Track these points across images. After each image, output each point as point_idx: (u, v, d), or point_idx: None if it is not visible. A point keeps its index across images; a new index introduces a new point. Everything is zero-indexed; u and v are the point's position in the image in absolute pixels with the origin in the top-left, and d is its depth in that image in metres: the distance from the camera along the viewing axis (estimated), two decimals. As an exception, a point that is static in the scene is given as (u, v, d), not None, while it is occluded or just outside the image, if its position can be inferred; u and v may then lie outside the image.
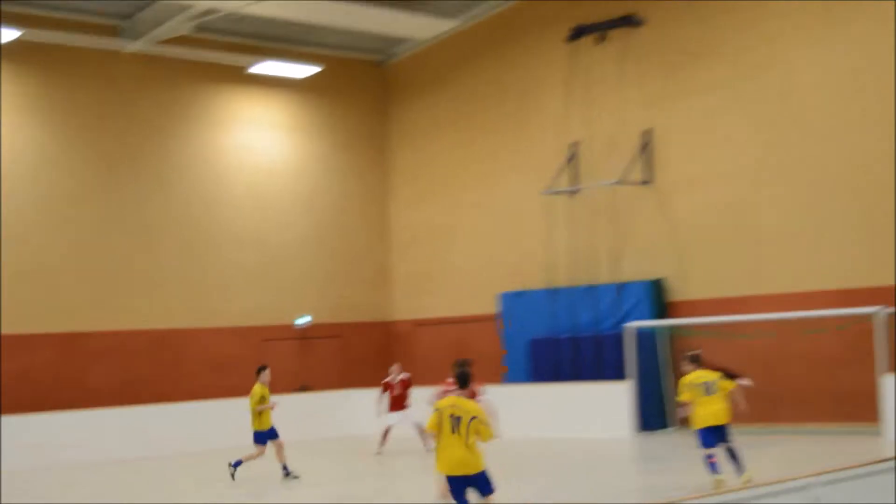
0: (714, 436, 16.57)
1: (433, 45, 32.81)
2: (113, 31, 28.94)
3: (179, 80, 30.43)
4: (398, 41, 33.24)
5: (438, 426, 12.23)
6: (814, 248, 25.07)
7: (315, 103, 33.03)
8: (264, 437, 20.62)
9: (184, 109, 30.54)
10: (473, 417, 12.11)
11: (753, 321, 24.57)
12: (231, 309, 30.87)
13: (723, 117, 26.67)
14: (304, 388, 31.12)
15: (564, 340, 28.32)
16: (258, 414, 20.65)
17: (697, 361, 17.04)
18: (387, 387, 24.70)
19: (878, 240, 24.03)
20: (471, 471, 12.16)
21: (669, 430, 25.98)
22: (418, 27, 31.01)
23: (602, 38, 28.83)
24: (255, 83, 31.50)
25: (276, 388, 29.85)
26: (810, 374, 24.20)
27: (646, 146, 27.76)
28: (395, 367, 24.99)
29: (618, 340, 26.57)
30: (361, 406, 28.63)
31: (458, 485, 12.27)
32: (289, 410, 28.55)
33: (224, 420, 26.17)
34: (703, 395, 16.59)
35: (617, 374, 26.30)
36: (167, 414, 26.78)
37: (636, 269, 27.74)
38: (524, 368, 29.13)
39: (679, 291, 27.25)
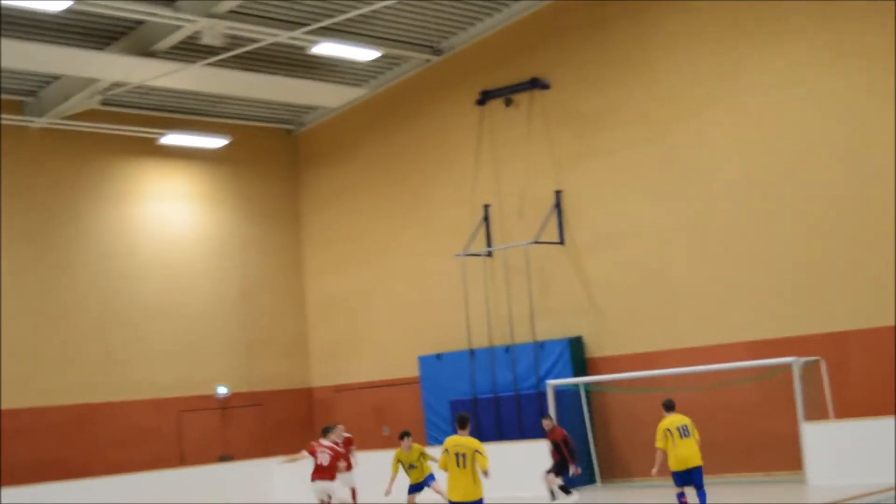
0: (687, 477, 17.21)
1: (343, 113, 33.01)
2: (18, 108, 28.73)
3: (88, 154, 30.23)
4: (308, 109, 33.41)
5: (446, 463, 14.82)
6: (724, 303, 25.62)
7: (227, 173, 33.03)
8: None
9: (94, 183, 30.32)
10: (475, 451, 14.69)
11: (671, 375, 24.90)
12: (148, 381, 30.52)
13: (630, 177, 27.18)
14: (224, 458, 30.86)
15: (484, 401, 28.44)
16: None
17: (671, 407, 18.18)
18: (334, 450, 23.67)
19: (784, 292, 24.71)
20: (473, 498, 14.65)
21: (595, 485, 26.14)
22: (327, 95, 31.22)
23: (509, 102, 29.25)
24: (166, 155, 31.40)
25: (196, 459, 29.91)
26: (730, 425, 24.55)
27: (557, 207, 28.14)
28: (339, 428, 23.09)
29: (538, 399, 26.76)
30: (282, 474, 28.50)
31: None
32: (211, 481, 28.46)
33: (140, 494, 25.84)
34: (679, 438, 17.60)
35: (538, 432, 26.42)
36: (85, 489, 26.19)
37: (554, 328, 28.01)
38: (445, 430, 29.15)
39: (597, 348, 27.58)
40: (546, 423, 23.47)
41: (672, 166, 26.50)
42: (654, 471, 18.13)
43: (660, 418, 18.33)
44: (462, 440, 14.99)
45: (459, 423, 15.39)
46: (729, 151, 25.67)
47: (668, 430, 17.81)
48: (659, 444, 17.89)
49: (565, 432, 23.05)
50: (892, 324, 23.27)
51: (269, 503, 28.71)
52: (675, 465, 17.70)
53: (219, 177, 33.00)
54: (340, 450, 22.15)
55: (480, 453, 14.69)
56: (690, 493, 17.96)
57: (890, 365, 23.17)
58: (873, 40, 23.55)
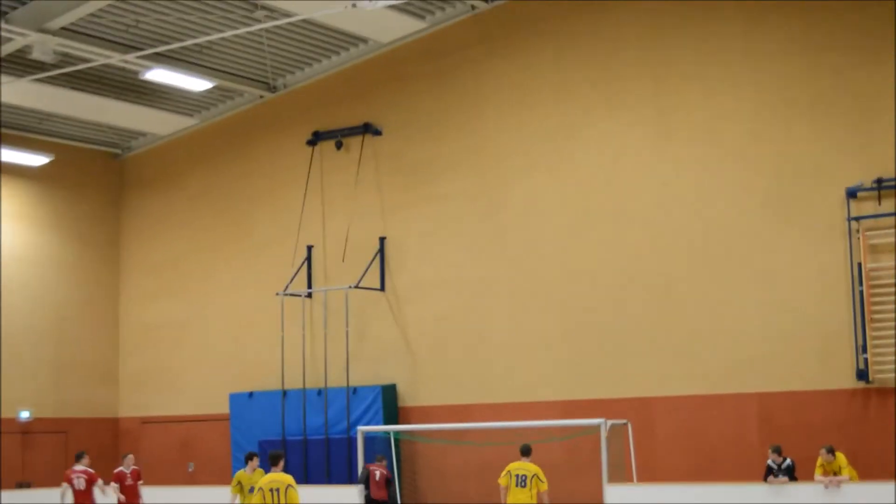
0: None
1: (172, 141, 32.54)
2: None
3: None
4: (136, 135, 32.83)
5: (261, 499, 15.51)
6: (537, 360, 25.95)
7: (47, 193, 32.19)
8: None
9: None
10: (289, 486, 15.54)
11: (481, 429, 25.02)
12: (-54, 401, 29.50)
13: (455, 227, 27.40)
14: (22, 485, 29.91)
15: (294, 443, 28.20)
16: None
17: (525, 453, 18.67)
18: (119, 477, 23.58)
19: (595, 354, 25.17)
20: None
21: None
22: (156, 122, 30.86)
23: (340, 145, 29.23)
24: (-15, 169, 30.51)
25: (-12, 482, 28.93)
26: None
27: (380, 252, 28.17)
28: (129, 458, 23.90)
29: (348, 444, 26.65)
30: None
31: None
32: (8, 508, 27.58)
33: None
34: (514, 486, 17.94)
35: (347, 478, 26.34)
36: None
37: (369, 374, 27.95)
38: (252, 470, 28.81)
39: (410, 397, 27.59)
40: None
41: (496, 220, 26.80)
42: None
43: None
44: (277, 476, 15.86)
45: (272, 461, 16.29)
46: (553, 210, 26.06)
47: (510, 472, 18.29)
48: (502, 481, 18.34)
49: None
50: (696, 392, 23.92)
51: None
52: None
53: (39, 196, 32.13)
54: (93, 472, 22.86)
55: (293, 488, 15.61)
56: None
57: (693, 432, 23.79)
58: (696, 115, 24.33)
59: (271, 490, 15.60)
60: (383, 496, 23.90)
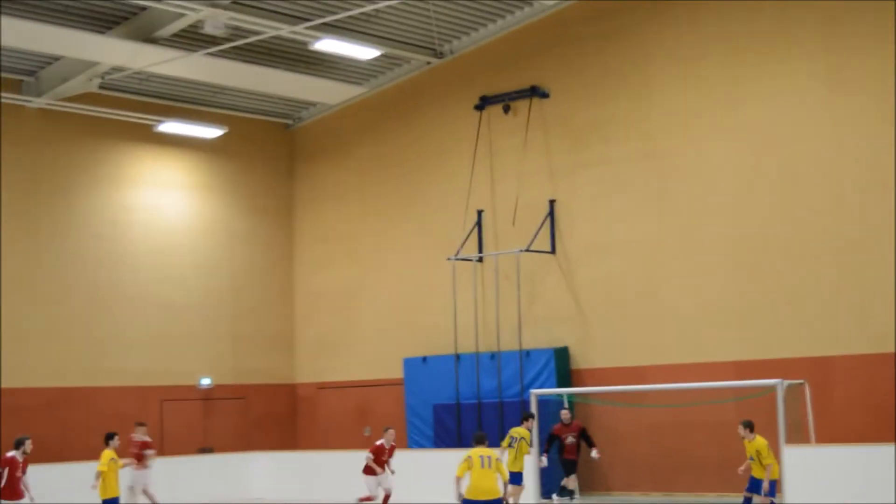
0: None
1: (341, 110, 32.96)
2: (16, 87, 28.64)
3: (83, 137, 30.13)
4: (306, 105, 33.34)
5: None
6: (712, 321, 25.63)
7: (221, 165, 32.95)
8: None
9: (88, 166, 30.24)
10: (497, 459, 17.22)
11: (655, 390, 24.83)
12: (131, 368, 30.41)
13: (624, 190, 27.18)
14: (205, 450, 30.78)
15: (468, 406, 28.40)
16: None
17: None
18: (379, 451, 23.76)
19: (770, 314, 24.76)
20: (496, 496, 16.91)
21: (575, 497, 26.07)
22: (326, 92, 31.11)
23: (507, 109, 29.20)
24: (161, 143, 31.29)
25: (176, 449, 29.84)
26: (711, 444, 24.50)
27: (550, 215, 28.10)
28: (390, 433, 24.06)
29: (522, 407, 26.67)
30: (261, 469, 28.50)
31: None
32: (190, 472, 28.41)
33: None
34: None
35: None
36: (62, 473, 25.88)
37: (540, 337, 27.96)
38: (427, 434, 29.15)
39: (583, 360, 27.54)
40: (565, 415, 25.03)
41: (665, 181, 26.51)
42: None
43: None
44: (486, 450, 17.24)
45: (478, 441, 17.58)
46: (723, 170, 25.68)
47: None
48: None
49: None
50: (875, 351, 23.37)
51: (248, 498, 28.62)
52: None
53: (213, 167, 32.91)
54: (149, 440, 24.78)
55: (500, 461, 17.40)
56: None
57: (872, 392, 23.22)
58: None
59: (481, 457, 16.79)
60: (574, 457, 25.01)
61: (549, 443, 24.97)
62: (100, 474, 20.45)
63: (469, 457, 16.98)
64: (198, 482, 27.98)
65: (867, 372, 23.44)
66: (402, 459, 24.59)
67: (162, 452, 28.89)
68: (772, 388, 22.70)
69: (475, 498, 16.66)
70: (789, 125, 24.82)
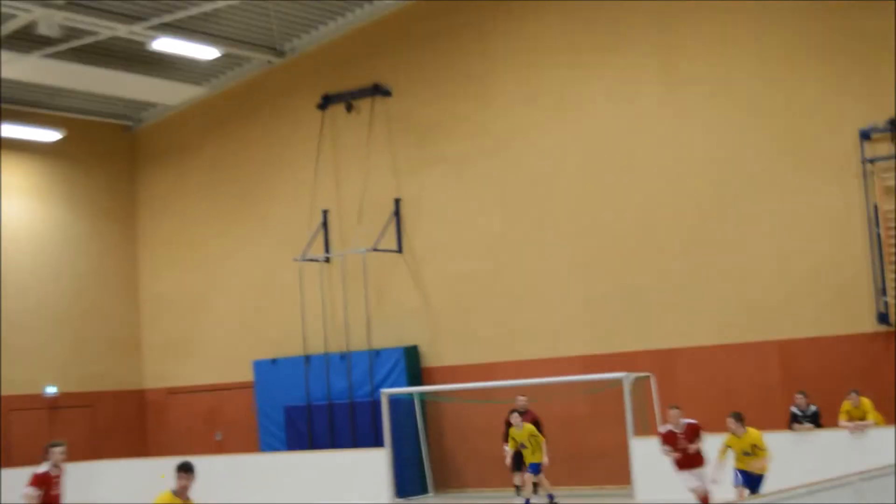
0: None
1: (183, 111, 32.44)
2: None
3: (-86, 142, 29.25)
4: (146, 106, 32.75)
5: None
6: (557, 316, 26.02)
7: (61, 168, 32.15)
8: None
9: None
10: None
11: (505, 387, 25.02)
12: (-29, 379, 29.63)
13: (469, 187, 27.39)
14: (50, 461, 30.09)
15: (319, 408, 28.32)
16: None
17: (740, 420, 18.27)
18: (669, 438, 19.24)
19: (616, 308, 25.26)
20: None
21: (428, 495, 26.21)
22: (166, 92, 30.72)
23: (350, 108, 29.12)
24: (-3, 147, 30.51)
25: (22, 460, 29.03)
26: (562, 438, 24.76)
27: (396, 214, 28.14)
28: (675, 412, 19.10)
29: (373, 407, 26.75)
30: (110, 477, 28.05)
31: None
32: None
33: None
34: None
35: (372, 441, 26.45)
36: None
37: (390, 337, 28.00)
38: (279, 437, 28.98)
39: (433, 357, 27.65)
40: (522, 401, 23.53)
41: (510, 177, 26.80)
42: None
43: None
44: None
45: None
46: (566, 165, 26.10)
47: None
48: None
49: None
50: (717, 342, 24.11)
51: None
52: None
53: (53, 171, 32.11)
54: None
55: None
56: None
57: (713, 382, 23.85)
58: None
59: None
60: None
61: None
62: None
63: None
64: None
65: (710, 362, 24.13)
66: (256, 463, 24.39)
67: (7, 463, 28.19)
68: (618, 382, 23.11)
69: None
70: (628, 120, 25.31)
